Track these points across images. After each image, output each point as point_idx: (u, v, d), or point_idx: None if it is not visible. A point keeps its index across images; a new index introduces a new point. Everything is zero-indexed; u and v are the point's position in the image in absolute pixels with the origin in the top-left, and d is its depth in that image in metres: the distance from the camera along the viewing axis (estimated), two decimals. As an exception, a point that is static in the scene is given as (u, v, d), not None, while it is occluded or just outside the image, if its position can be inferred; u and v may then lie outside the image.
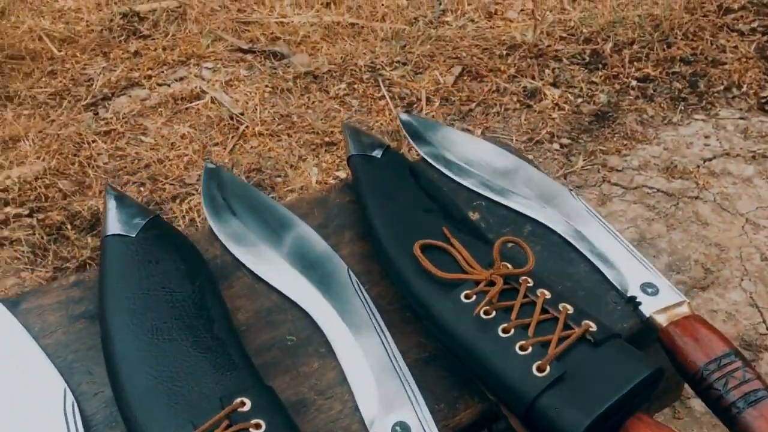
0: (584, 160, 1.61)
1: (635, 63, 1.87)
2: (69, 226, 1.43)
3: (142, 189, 1.53)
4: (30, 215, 1.46)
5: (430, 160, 0.91)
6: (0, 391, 0.63)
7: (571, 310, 0.64)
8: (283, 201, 0.84)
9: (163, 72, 1.88)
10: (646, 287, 0.74)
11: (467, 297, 0.65)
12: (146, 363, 0.61)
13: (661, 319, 0.71)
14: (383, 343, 0.69)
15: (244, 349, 0.65)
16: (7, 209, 1.46)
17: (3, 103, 1.76)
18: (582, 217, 0.82)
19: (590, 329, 0.62)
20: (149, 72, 1.87)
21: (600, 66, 1.88)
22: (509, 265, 0.68)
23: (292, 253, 0.77)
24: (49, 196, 1.50)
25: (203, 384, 0.59)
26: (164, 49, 1.96)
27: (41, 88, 1.80)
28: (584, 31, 1.98)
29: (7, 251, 1.40)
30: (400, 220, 0.75)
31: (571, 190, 0.84)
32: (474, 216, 0.83)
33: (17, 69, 1.85)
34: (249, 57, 1.95)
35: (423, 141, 0.93)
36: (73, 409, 0.62)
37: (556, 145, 1.66)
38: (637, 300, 0.73)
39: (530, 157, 1.65)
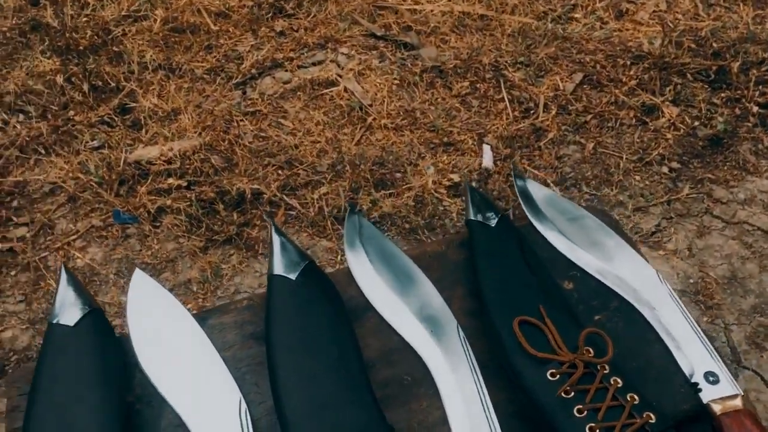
0: (691, 187, 1.67)
1: (760, 86, 1.87)
2: (219, 202, 1.68)
3: (280, 173, 1.75)
4: (188, 188, 1.72)
5: (534, 223, 1.05)
6: (187, 392, 0.86)
7: (636, 400, 0.79)
8: (407, 251, 1.01)
9: (303, 54, 2.06)
10: (709, 375, 0.87)
11: (552, 375, 0.82)
12: (302, 393, 0.82)
13: (717, 408, 0.84)
14: (479, 394, 0.86)
15: (371, 387, 0.85)
16: (170, 180, 1.73)
17: (167, 74, 2.00)
18: (665, 301, 0.94)
19: (650, 421, 0.77)
20: (291, 54, 2.05)
21: (724, 86, 1.89)
22: (591, 351, 0.83)
23: (413, 302, 0.95)
24: (204, 171, 1.75)
25: (343, 418, 0.80)
26: (305, 30, 2.13)
27: (198, 62, 2.03)
28: (714, 44, 1.97)
29: (169, 218, 1.67)
30: (503, 291, 0.91)
31: (660, 274, 0.97)
32: (568, 285, 0.97)
33: (179, 42, 2.08)
34: (381, 45, 2.09)
35: (532, 203, 1.07)
36: (246, 416, 0.84)
37: (665, 168, 1.72)
38: (699, 386, 0.87)
39: (637, 178, 1.72)
